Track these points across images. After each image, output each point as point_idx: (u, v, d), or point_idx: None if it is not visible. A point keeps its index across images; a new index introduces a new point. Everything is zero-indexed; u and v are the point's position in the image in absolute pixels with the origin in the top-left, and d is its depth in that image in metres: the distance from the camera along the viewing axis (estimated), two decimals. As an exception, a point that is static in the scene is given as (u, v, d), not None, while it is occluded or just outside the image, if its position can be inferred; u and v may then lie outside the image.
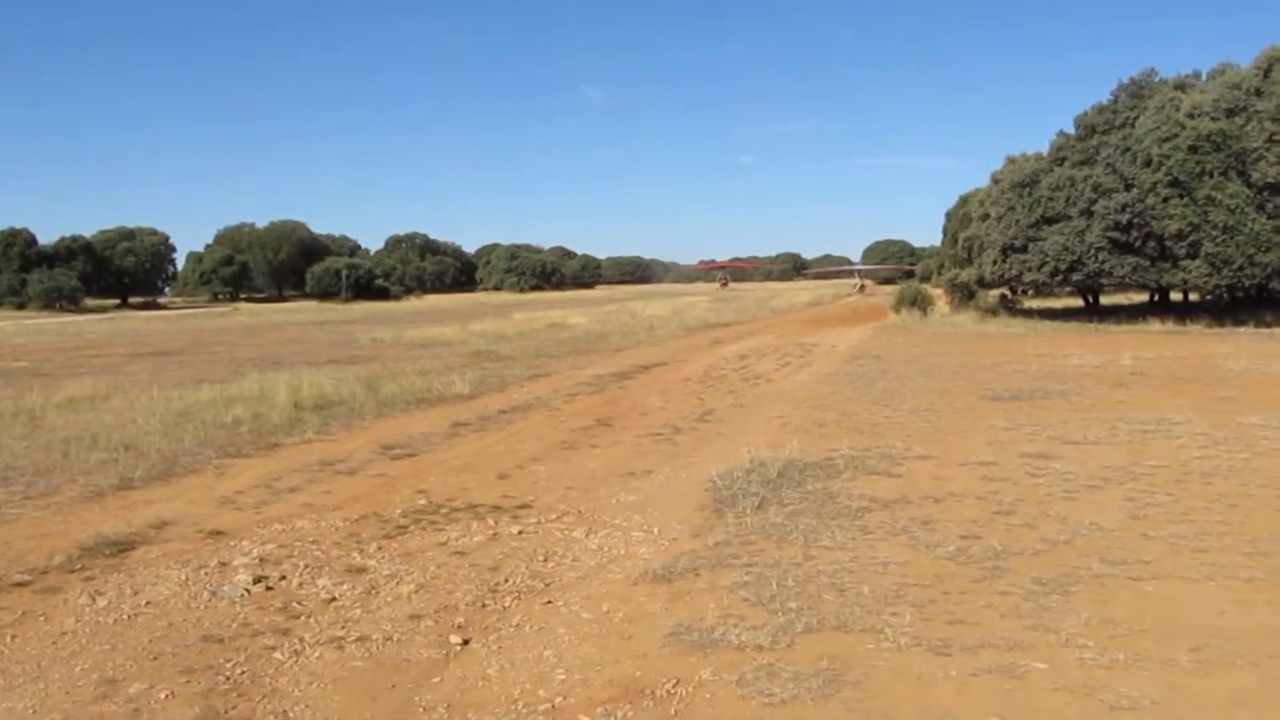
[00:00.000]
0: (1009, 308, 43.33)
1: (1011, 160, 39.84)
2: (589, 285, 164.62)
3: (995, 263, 37.17)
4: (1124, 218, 33.00)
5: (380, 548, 8.55)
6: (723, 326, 44.00)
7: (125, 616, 6.93)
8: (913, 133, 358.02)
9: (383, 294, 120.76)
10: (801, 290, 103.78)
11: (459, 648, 6.30)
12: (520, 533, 8.97)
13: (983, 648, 5.90)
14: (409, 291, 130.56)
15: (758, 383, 20.90)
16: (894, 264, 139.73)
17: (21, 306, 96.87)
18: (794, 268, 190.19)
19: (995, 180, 40.29)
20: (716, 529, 8.79)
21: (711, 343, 33.54)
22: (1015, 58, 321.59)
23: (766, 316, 53.53)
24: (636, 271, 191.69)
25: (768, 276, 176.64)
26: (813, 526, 8.65)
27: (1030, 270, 35.85)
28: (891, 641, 6.03)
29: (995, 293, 45.74)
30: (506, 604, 7.08)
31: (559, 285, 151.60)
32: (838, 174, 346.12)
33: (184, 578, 7.73)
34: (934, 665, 5.69)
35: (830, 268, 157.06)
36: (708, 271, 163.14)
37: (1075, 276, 35.48)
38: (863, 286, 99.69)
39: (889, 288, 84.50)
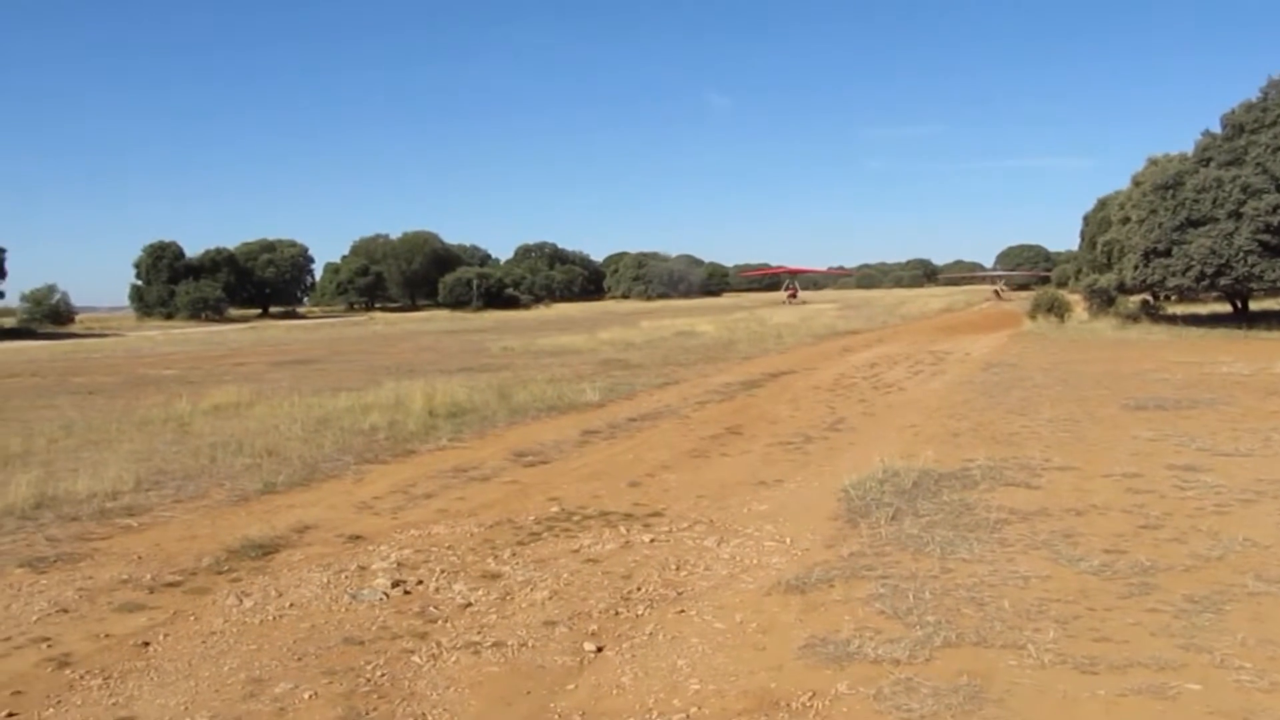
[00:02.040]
0: (1151, 314, 41.87)
1: (1154, 161, 38.52)
2: (716, 293, 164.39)
3: (1136, 267, 35.95)
4: (1275, 219, 31.63)
5: (514, 554, 8.64)
6: (852, 334, 43.48)
7: (270, 618, 7.13)
8: (1048, 134, 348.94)
9: (512, 303, 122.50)
10: (932, 297, 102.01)
11: (593, 655, 6.33)
12: (652, 541, 8.98)
13: (1131, 667, 5.70)
14: (538, 300, 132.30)
15: (889, 391, 20.59)
16: (1028, 269, 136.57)
17: (170, 316, 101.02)
18: (924, 274, 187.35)
19: (1136, 182, 38.98)
20: (850, 539, 8.67)
21: (841, 350, 33.16)
22: (1156, 56, 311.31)
23: (897, 324, 52.72)
24: (764, 279, 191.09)
25: (898, 283, 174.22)
26: (949, 538, 8.47)
27: (1174, 275, 34.56)
28: (1034, 658, 5.87)
29: (1136, 298, 44.23)
30: (639, 612, 7.09)
31: (686, 293, 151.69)
32: (969, 177, 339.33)
33: (325, 581, 7.93)
34: (1080, 684, 5.51)
35: (962, 273, 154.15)
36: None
37: (1222, 281, 34.09)
38: (999, 292, 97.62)
39: (1023, 294, 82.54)
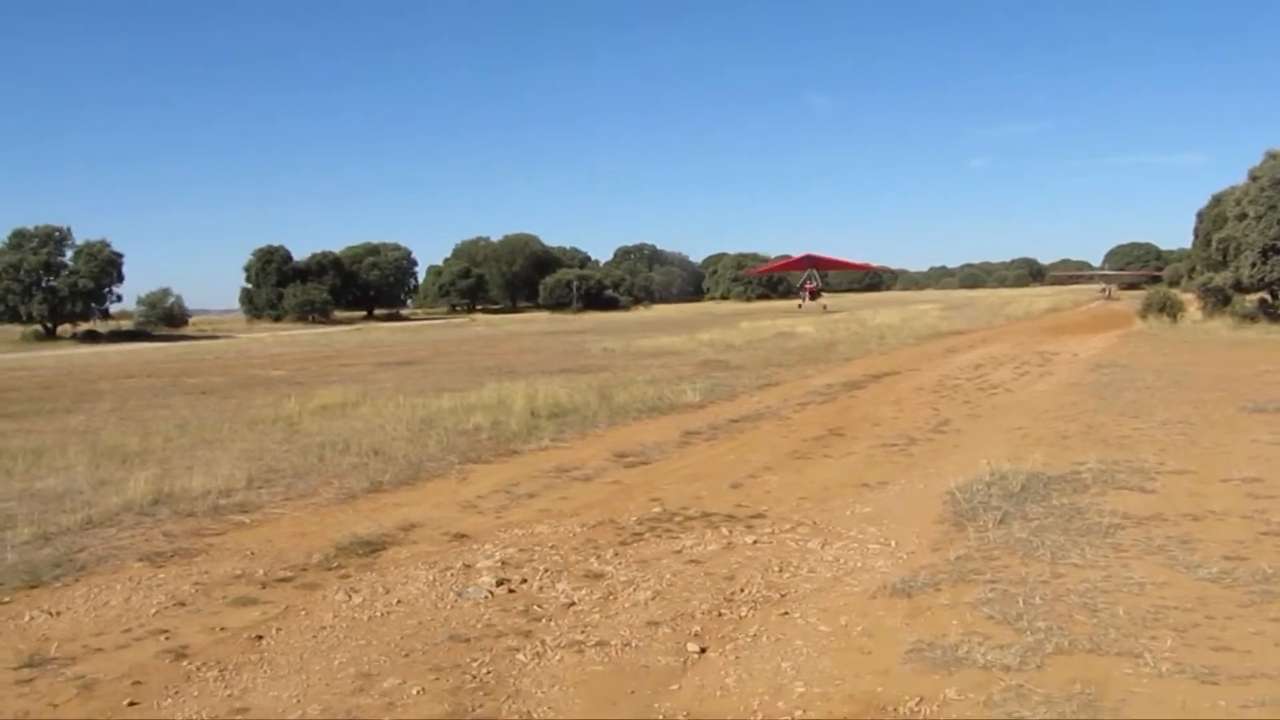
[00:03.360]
0: (1270, 313, 40.43)
1: (1272, 156, 37.22)
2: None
3: (1254, 265, 34.85)
4: (1403, 214, 30.38)
5: (617, 554, 8.66)
6: (955, 334, 42.80)
7: (378, 614, 7.25)
8: (1159, 129, 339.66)
9: (612, 304, 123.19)
10: (1038, 296, 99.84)
11: (696, 656, 6.32)
12: (755, 542, 8.93)
13: (1254, 678, 5.50)
14: (637, 301, 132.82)
15: (995, 392, 20.22)
16: (1138, 268, 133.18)
17: (278, 318, 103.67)
18: (1030, 273, 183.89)
19: (1254, 177, 37.72)
20: (957, 543, 8.52)
21: (944, 351, 32.66)
22: (1274, 47, 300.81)
23: (1002, 324, 51.77)
24: (865, 279, 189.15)
25: (1002, 283, 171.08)
26: (1060, 543, 8.27)
27: (1294, 273, 33.41)
28: (1151, 667, 5.70)
29: (1254, 297, 42.77)
30: (742, 614, 7.06)
31: (786, 294, 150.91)
32: (1077, 174, 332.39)
33: (431, 578, 8.04)
34: (1200, 695, 5.34)
35: (1069, 272, 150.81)
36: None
37: (1346, 279, 32.87)
38: (1108, 291, 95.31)
39: (1133, 293, 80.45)
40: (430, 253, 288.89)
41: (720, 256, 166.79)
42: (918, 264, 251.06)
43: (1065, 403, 17.75)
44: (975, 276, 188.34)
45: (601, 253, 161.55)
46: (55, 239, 78.12)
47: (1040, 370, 24.29)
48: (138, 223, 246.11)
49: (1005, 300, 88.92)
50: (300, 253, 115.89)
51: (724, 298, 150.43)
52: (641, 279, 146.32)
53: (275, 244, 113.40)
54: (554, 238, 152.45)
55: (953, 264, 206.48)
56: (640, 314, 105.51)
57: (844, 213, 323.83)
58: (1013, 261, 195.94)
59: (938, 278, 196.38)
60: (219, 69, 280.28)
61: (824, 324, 49.17)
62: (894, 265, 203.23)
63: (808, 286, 74.81)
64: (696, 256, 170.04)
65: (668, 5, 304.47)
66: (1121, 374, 22.00)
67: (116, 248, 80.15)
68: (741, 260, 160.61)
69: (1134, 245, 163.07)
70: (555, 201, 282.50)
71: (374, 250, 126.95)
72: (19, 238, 77.37)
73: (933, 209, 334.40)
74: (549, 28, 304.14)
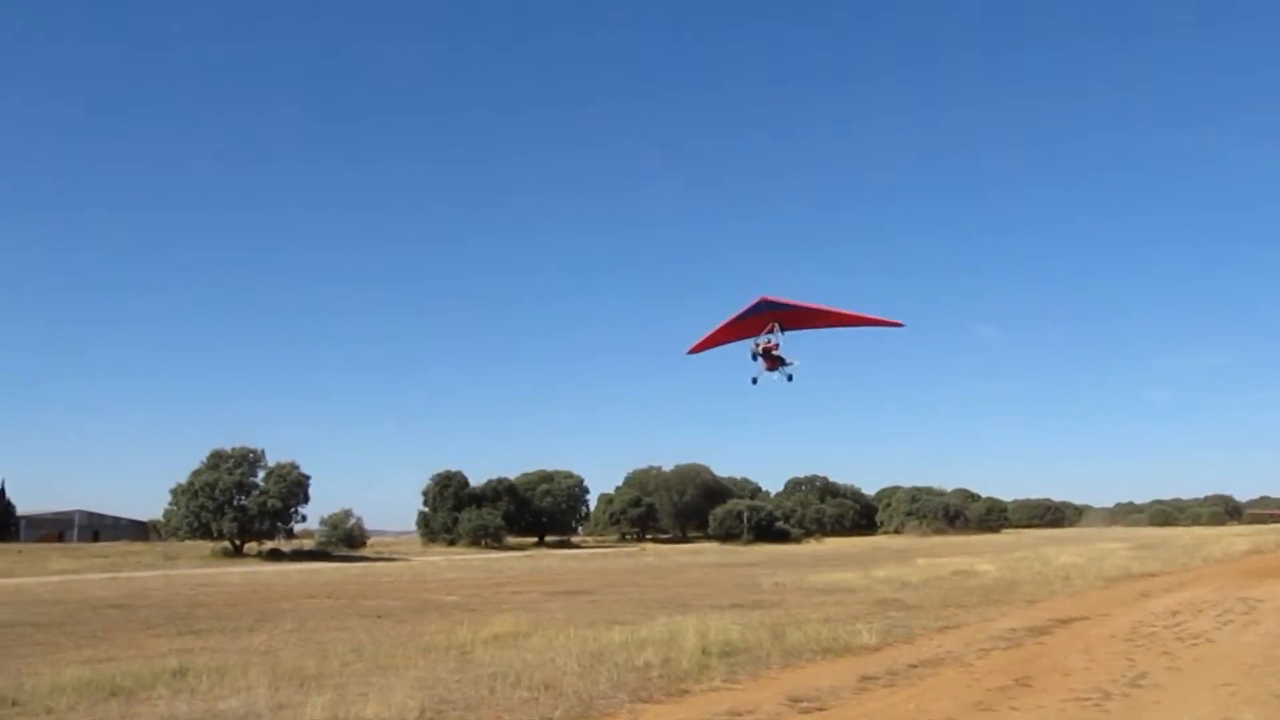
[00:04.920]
0: None
1: None
2: (995, 529, 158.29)
3: None
4: None
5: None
6: (1148, 577, 40.55)
7: None
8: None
9: (783, 536, 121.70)
10: (1237, 536, 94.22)
11: None
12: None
13: None
14: (808, 534, 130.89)
15: (1195, 643, 18.93)
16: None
17: (453, 542, 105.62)
18: (1226, 510, 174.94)
19: None
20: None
21: (1137, 595, 30.92)
22: None
23: (1198, 566, 48.85)
24: (1046, 515, 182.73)
25: (1195, 520, 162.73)
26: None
27: None
28: None
29: None
30: None
31: (963, 529, 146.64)
32: (1268, 407, 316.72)
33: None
34: None
35: (1271, 510, 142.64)
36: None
37: None
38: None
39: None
40: (602, 480, 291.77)
41: (894, 490, 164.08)
42: (1101, 499, 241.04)
43: (1277, 656, 16.49)
44: (1166, 513, 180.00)
45: (772, 483, 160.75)
46: (250, 460, 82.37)
47: (1246, 618, 22.72)
48: (324, 444, 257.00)
49: (1200, 540, 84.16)
50: (476, 478, 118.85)
51: (897, 532, 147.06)
52: (813, 511, 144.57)
53: (453, 469, 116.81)
54: (724, 467, 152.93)
55: (1139, 499, 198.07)
56: (812, 547, 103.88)
57: (1020, 445, 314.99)
58: (1206, 498, 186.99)
59: (1125, 514, 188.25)
60: (401, 321, 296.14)
61: (1005, 563, 47.39)
62: (1076, 500, 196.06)
63: (765, 347, 29.04)
64: (869, 489, 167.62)
65: (825, 245, 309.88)
66: (1338, 627, 20.39)
67: (304, 469, 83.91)
68: (915, 493, 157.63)
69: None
70: (726, 431, 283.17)
71: (547, 477, 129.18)
72: (216, 458, 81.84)
73: (1114, 442, 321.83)
74: (713, 260, 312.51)
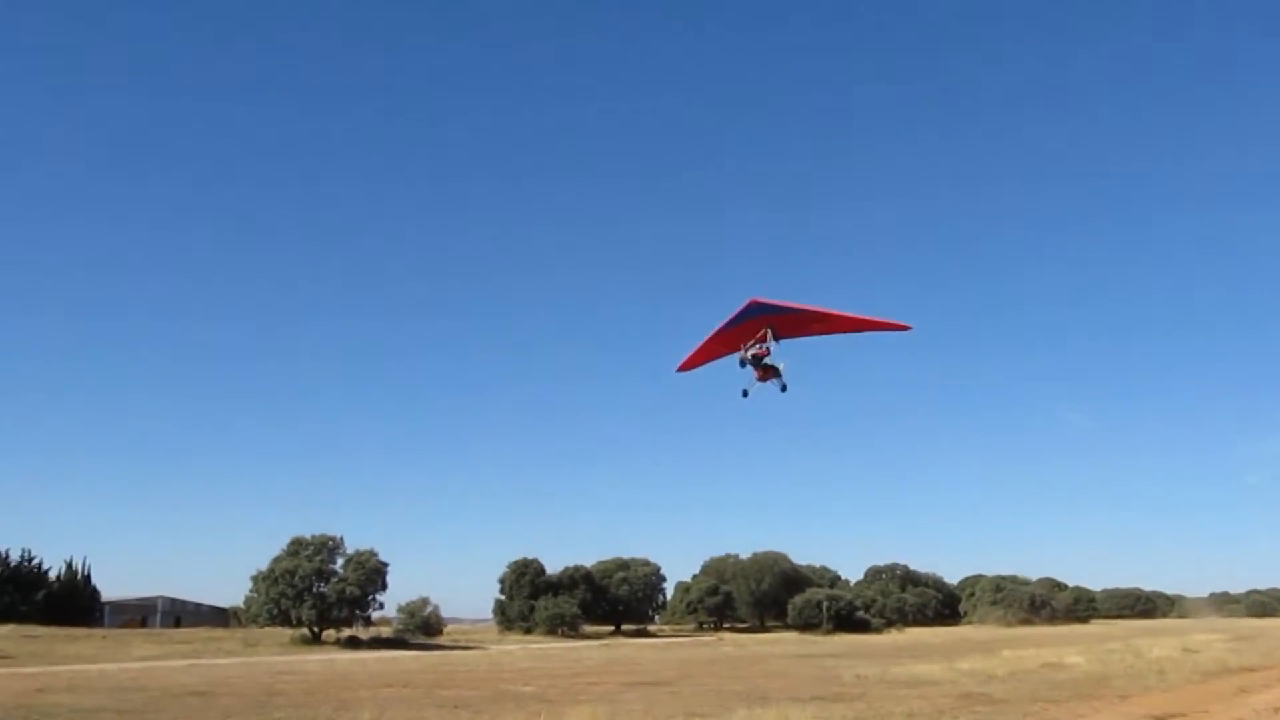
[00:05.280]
0: None
1: None
2: (1083, 620, 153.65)
3: None
4: None
5: None
6: (1247, 671, 38.99)
7: None
8: None
9: (863, 626, 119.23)
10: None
11: None
12: None
13: None
14: (890, 624, 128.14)
15: (1301, 742, 18.11)
16: None
17: (529, 631, 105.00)
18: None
19: None
20: None
21: (1236, 690, 29.74)
22: None
23: (1301, 660, 46.95)
24: (1137, 605, 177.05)
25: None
26: None
27: None
28: None
29: None
30: None
31: (1050, 619, 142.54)
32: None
33: None
34: None
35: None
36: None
37: None
38: None
39: None
40: (679, 568, 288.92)
41: (977, 578, 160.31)
42: (1195, 589, 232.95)
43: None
44: (1264, 604, 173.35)
45: (852, 572, 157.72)
46: (329, 547, 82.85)
47: (1355, 718, 21.73)
48: (401, 531, 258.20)
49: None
50: (553, 565, 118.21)
51: (981, 622, 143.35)
52: (894, 600, 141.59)
53: (529, 556, 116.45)
54: (803, 555, 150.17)
55: (1235, 589, 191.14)
56: (893, 637, 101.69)
57: (1108, 532, 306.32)
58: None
59: (1220, 605, 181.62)
60: (476, 408, 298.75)
61: (1095, 655, 45.92)
62: (1168, 590, 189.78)
63: (755, 353, 26.67)
64: (952, 577, 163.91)
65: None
66: None
67: (382, 556, 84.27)
68: (999, 582, 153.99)
69: None
70: (805, 518, 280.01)
71: (624, 565, 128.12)
72: (296, 545, 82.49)
73: (1208, 529, 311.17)
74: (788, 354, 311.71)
